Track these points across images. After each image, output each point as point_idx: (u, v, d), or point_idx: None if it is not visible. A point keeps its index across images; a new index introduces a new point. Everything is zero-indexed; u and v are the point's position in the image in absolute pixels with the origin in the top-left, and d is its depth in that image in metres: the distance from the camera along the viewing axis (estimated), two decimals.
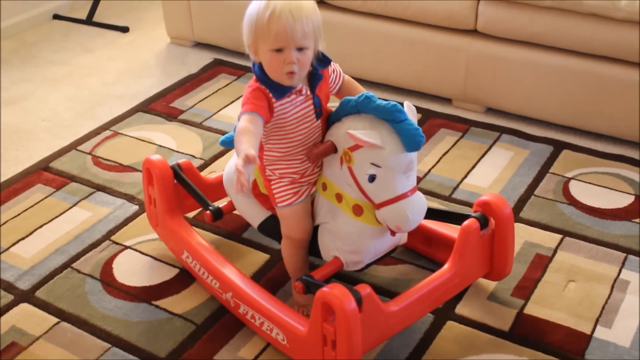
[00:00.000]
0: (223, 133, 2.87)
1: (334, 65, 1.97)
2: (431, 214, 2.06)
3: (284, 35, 1.76)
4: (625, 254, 2.28)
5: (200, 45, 3.70)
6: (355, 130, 1.80)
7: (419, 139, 1.79)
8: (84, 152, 2.86)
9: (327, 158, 1.92)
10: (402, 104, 1.84)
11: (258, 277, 2.22)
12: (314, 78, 1.89)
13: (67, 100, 3.28)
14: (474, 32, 2.95)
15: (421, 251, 2.28)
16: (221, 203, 2.27)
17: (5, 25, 3.87)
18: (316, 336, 1.80)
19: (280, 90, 1.84)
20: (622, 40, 2.65)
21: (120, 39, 3.84)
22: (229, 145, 2.25)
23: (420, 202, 1.86)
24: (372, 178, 1.82)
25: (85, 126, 3.06)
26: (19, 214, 2.54)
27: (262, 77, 1.85)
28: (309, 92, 1.88)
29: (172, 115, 3.09)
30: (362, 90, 1.99)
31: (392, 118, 1.78)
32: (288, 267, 2.07)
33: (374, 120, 1.82)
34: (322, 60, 1.90)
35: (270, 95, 1.83)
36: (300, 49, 1.79)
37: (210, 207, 2.21)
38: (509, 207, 2.03)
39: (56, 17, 4.09)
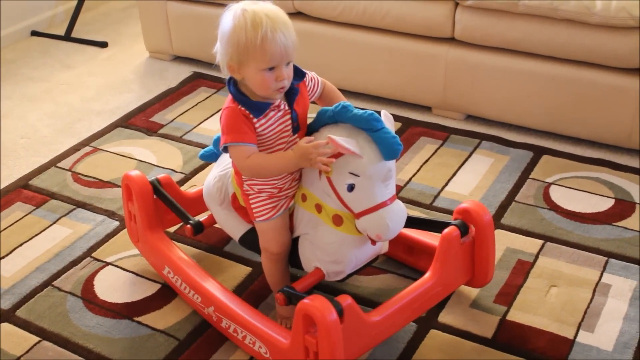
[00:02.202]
0: (203, 147, 2.87)
1: (311, 74, 1.97)
2: (411, 222, 2.06)
3: (279, 55, 1.77)
4: (606, 258, 2.29)
5: (180, 59, 3.69)
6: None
7: (396, 147, 1.79)
8: (63, 169, 2.85)
9: (306, 169, 1.92)
10: (379, 113, 1.84)
11: (240, 291, 2.22)
12: (291, 92, 1.88)
13: (46, 116, 3.26)
14: (451, 39, 2.97)
15: (403, 260, 2.28)
16: (202, 217, 2.26)
17: None
18: (298, 348, 1.80)
19: (259, 109, 1.84)
20: (598, 45, 2.67)
21: (99, 55, 3.83)
22: (208, 159, 2.25)
23: (400, 211, 1.86)
24: (351, 187, 1.81)
25: (64, 142, 3.05)
26: None
27: (240, 97, 1.85)
28: (286, 107, 1.88)
29: (151, 130, 3.08)
30: (343, 99, 2.00)
31: (369, 127, 1.79)
32: (269, 280, 2.07)
33: (352, 129, 1.82)
34: (297, 74, 1.90)
35: (251, 115, 1.83)
36: (287, 63, 1.81)
37: (190, 221, 2.21)
38: (488, 213, 2.03)
39: (34, 33, 4.07)
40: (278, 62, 1.78)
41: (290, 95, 1.88)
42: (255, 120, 1.84)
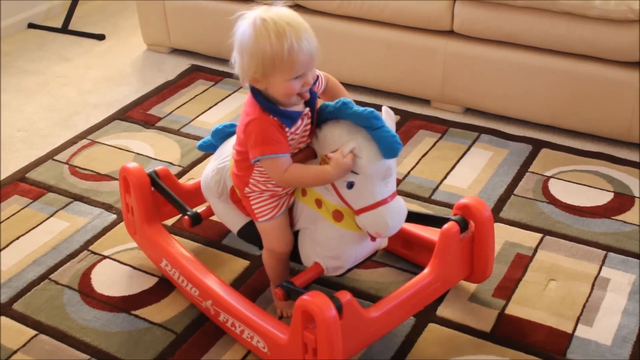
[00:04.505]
0: (201, 139, 2.85)
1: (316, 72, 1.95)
2: (411, 217, 2.05)
3: (306, 63, 1.75)
4: (605, 252, 2.28)
5: (177, 51, 3.68)
6: (332, 135, 1.80)
7: (395, 146, 1.77)
8: (60, 162, 2.83)
9: (307, 164, 1.91)
10: (380, 108, 1.83)
11: (238, 284, 2.21)
12: (311, 97, 1.85)
13: (43, 109, 3.25)
14: (450, 32, 2.95)
15: (401, 254, 2.27)
16: (199, 209, 2.25)
17: None
18: (297, 344, 1.79)
19: (292, 118, 1.81)
20: (597, 39, 2.66)
21: (96, 47, 3.82)
22: (206, 149, 2.24)
23: (400, 208, 1.85)
24: (350, 185, 1.81)
25: (61, 135, 3.03)
26: None
27: (272, 107, 1.80)
28: (309, 113, 1.86)
29: (149, 123, 3.07)
30: (346, 93, 1.99)
31: (368, 125, 1.77)
32: (270, 274, 2.07)
33: (352, 126, 1.81)
34: None
35: (283, 125, 1.81)
36: (311, 68, 1.79)
37: (188, 212, 2.19)
38: (488, 209, 2.02)
39: (31, 26, 4.05)
40: (305, 70, 1.76)
41: (311, 100, 1.86)
42: (287, 129, 1.81)
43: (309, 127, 1.87)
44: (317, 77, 1.91)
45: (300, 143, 1.88)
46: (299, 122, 1.83)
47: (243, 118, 1.85)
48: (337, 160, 1.78)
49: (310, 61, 1.76)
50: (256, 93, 1.82)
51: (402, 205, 1.86)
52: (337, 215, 1.87)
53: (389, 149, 1.77)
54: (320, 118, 1.87)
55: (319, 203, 1.89)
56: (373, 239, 1.91)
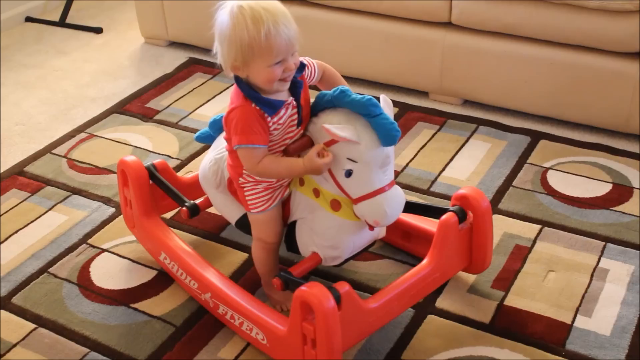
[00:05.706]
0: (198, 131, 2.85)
1: (307, 61, 1.95)
2: (409, 208, 2.05)
3: (285, 48, 1.74)
4: (604, 243, 2.28)
5: (175, 44, 3.67)
6: (330, 124, 1.79)
7: (394, 133, 1.77)
8: (58, 156, 2.83)
9: (304, 153, 1.90)
10: (378, 98, 1.83)
11: (237, 277, 2.21)
12: (296, 87, 1.85)
13: (41, 103, 3.24)
14: (448, 24, 2.95)
15: (400, 246, 2.27)
16: (197, 200, 2.24)
17: None
18: (296, 335, 1.79)
19: (274, 107, 1.81)
20: (595, 29, 2.65)
21: (94, 40, 3.81)
22: (204, 140, 2.24)
23: (398, 197, 1.85)
24: (348, 173, 1.81)
25: (59, 129, 3.03)
26: None
27: (254, 94, 1.80)
28: (294, 102, 1.85)
29: (147, 116, 3.07)
30: (344, 82, 1.99)
31: (367, 112, 1.77)
32: (259, 268, 2.07)
33: (350, 114, 1.81)
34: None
35: (266, 114, 1.80)
36: (292, 53, 1.78)
37: (186, 204, 2.19)
38: (486, 200, 2.02)
39: (29, 19, 4.04)
40: (284, 55, 1.75)
41: (296, 89, 1.86)
42: (269, 118, 1.81)
43: (295, 117, 1.86)
44: (305, 65, 1.91)
45: (287, 133, 1.87)
46: (283, 111, 1.83)
47: (228, 106, 1.86)
48: (310, 157, 1.79)
49: (289, 46, 1.75)
50: (240, 81, 1.83)
51: (400, 194, 1.86)
52: (335, 205, 1.87)
53: (387, 136, 1.77)
54: (318, 106, 1.87)
55: (316, 192, 1.89)
56: (371, 228, 1.91)
